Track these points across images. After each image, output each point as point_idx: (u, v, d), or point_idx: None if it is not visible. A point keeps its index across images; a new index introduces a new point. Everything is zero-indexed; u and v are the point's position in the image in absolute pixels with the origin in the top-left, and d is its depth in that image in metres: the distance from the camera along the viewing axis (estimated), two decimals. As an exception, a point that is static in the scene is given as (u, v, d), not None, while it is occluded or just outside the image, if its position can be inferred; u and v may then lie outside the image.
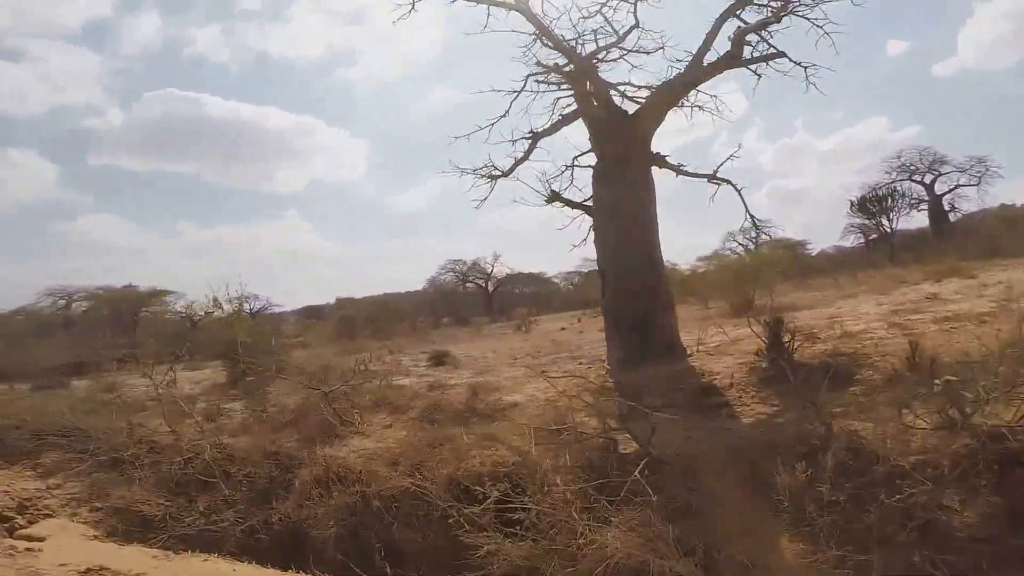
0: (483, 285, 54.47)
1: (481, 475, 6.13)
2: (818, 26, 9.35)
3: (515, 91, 10.79)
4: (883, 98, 79.89)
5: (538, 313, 41.04)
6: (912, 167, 40.74)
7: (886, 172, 41.32)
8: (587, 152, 10.93)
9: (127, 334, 39.09)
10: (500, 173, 11.32)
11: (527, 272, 56.29)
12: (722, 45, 9.71)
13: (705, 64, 9.63)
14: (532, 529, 5.01)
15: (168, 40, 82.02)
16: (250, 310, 55.41)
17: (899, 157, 41.04)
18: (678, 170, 10.26)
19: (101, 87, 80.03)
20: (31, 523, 7.59)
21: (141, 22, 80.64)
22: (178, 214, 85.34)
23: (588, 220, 10.68)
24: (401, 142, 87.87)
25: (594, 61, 10.66)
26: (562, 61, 10.77)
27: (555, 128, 11.02)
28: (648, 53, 10.41)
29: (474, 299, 55.29)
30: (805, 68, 9.64)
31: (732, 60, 9.45)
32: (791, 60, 9.63)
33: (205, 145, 75.64)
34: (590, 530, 4.79)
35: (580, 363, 11.18)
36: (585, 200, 10.61)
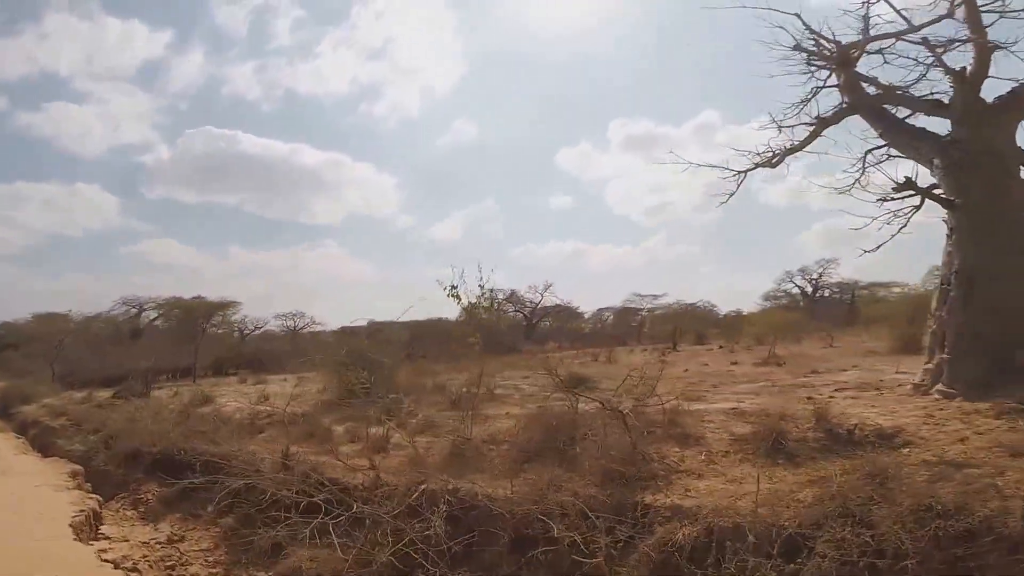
0: (527, 315, 51.08)
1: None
2: None
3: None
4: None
5: (573, 347, 37.85)
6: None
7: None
8: (883, 146, 8.29)
9: (191, 344, 35.93)
10: (766, 162, 8.70)
11: (568, 305, 52.83)
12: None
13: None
14: None
15: (209, 78, 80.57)
16: (295, 327, 52.90)
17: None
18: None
19: (150, 125, 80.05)
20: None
21: (187, 61, 79.92)
22: (227, 240, 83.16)
23: (879, 226, 7.94)
24: (427, 175, 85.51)
25: (852, 52, 8.03)
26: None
27: (839, 117, 8.41)
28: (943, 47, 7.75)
29: (509, 329, 51.86)
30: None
31: None
32: None
33: (243, 179, 74.19)
34: None
35: (844, 389, 8.30)
36: (931, 188, 7.74)
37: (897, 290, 38.16)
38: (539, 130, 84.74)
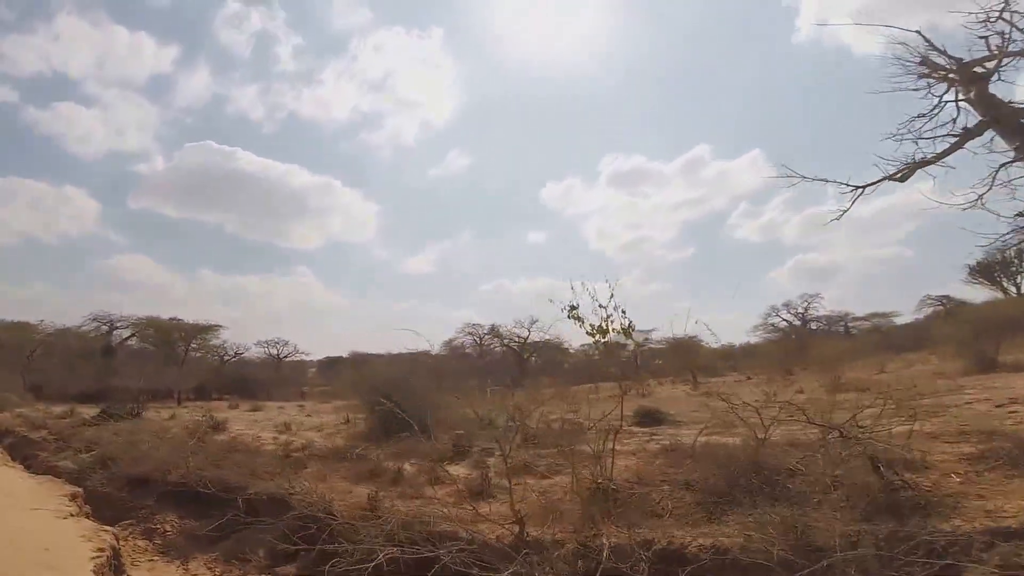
0: (517, 350, 49.46)
1: None
2: None
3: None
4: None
5: (567, 382, 36.28)
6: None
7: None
8: (1015, 161, 7.78)
9: (171, 366, 33.50)
10: (894, 175, 8.09)
11: (556, 339, 51.28)
12: None
13: None
14: None
15: (214, 96, 79.65)
16: (278, 354, 50.30)
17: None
18: None
19: (153, 135, 77.44)
20: None
21: (194, 77, 79.13)
22: (201, 260, 79.81)
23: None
24: (411, 205, 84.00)
25: (978, 69, 7.55)
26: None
27: (981, 129, 7.84)
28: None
29: (498, 364, 50.00)
30: None
31: None
32: None
33: (232, 197, 71.50)
34: None
35: (1006, 406, 7.66)
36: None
37: (898, 320, 38.66)
38: (530, 163, 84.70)
